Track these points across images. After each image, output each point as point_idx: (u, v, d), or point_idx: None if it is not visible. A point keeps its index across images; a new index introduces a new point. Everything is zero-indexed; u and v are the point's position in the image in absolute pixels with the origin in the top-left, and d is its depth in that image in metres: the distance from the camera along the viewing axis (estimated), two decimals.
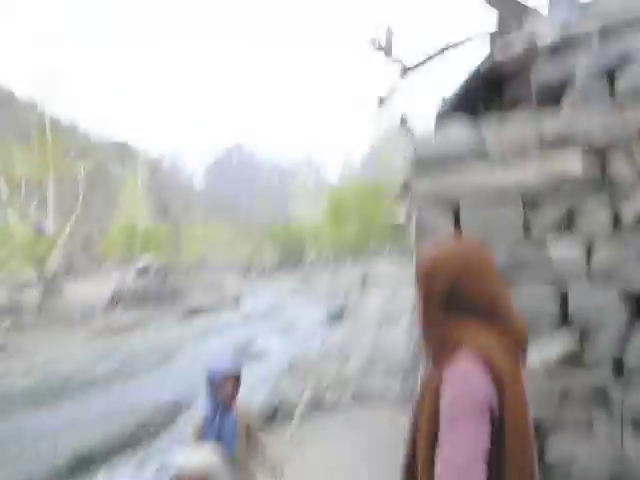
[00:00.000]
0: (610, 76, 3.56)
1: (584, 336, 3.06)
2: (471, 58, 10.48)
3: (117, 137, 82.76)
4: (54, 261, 36.00)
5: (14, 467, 10.82)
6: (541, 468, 1.85)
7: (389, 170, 62.07)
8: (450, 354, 1.75)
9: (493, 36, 6.91)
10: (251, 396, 12.90)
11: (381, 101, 12.15)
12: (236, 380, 3.99)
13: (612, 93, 3.48)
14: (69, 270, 42.83)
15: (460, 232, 3.29)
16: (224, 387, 3.92)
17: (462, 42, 9.71)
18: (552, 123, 3.32)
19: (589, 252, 3.15)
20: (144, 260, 46.12)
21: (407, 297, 22.58)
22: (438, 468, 1.64)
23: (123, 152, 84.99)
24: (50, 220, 37.96)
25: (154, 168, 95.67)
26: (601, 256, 3.11)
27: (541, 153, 3.30)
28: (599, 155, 3.20)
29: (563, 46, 3.80)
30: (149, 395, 15.39)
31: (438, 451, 1.68)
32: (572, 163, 3.20)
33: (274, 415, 9.80)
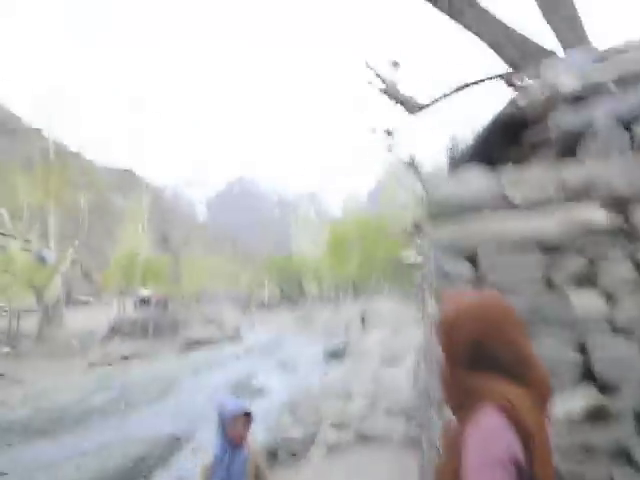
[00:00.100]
0: (629, 125, 3.57)
1: (606, 390, 3.02)
2: (476, 98, 10.57)
3: (121, 165, 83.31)
4: (54, 289, 35.91)
5: None
6: None
7: (394, 206, 62.20)
8: (473, 408, 1.72)
9: (509, 78, 6.97)
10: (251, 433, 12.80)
11: (388, 135, 12.26)
12: (247, 419, 3.94)
13: (632, 142, 3.49)
14: (69, 299, 42.75)
15: (480, 280, 3.26)
16: (234, 426, 3.86)
17: (476, 83, 9.79)
18: (574, 172, 3.32)
19: (611, 303, 3.12)
20: (144, 291, 46.08)
21: (408, 336, 22.56)
22: None
23: (126, 180, 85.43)
24: (51, 248, 37.96)
25: (157, 197, 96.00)
26: (624, 308, 3.08)
27: (563, 202, 3.29)
28: (621, 205, 3.20)
29: (583, 94, 3.82)
30: (148, 428, 15.27)
31: None
32: (594, 213, 3.19)
33: (276, 454, 9.66)
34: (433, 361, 5.80)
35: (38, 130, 51.22)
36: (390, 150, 12.56)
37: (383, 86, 11.88)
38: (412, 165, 22.47)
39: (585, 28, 7.82)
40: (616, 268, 3.13)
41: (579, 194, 3.27)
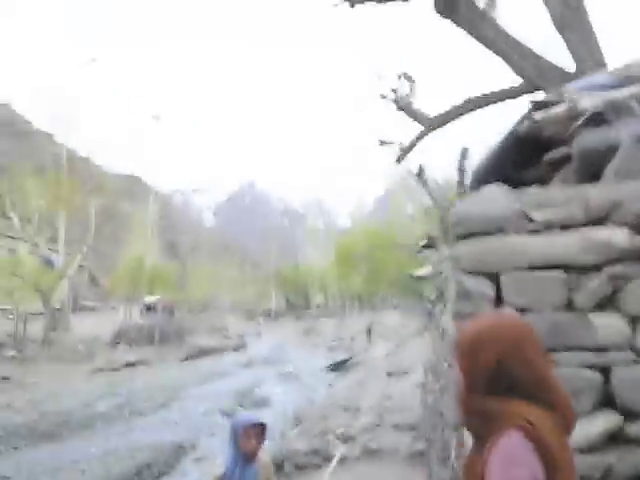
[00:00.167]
0: None
1: (627, 414, 2.99)
2: (485, 111, 10.56)
3: (130, 171, 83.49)
4: (61, 294, 35.99)
5: None
6: None
7: (401, 217, 62.11)
8: (494, 431, 1.70)
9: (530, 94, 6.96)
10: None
11: (402, 151, 12.23)
12: (260, 432, 3.89)
13: None
14: (75, 304, 42.82)
15: (501, 300, 3.24)
16: (247, 439, 3.82)
17: (495, 100, 9.78)
18: (597, 193, 3.30)
19: (634, 326, 3.09)
20: (151, 297, 46.11)
21: (414, 349, 22.48)
22: None
23: (135, 186, 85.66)
24: (59, 252, 38.07)
25: (164, 204, 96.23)
26: None
27: (586, 223, 3.28)
28: None
29: (605, 114, 3.81)
30: (152, 435, 15.26)
31: None
32: (617, 235, 3.17)
33: (281, 466, 9.60)
34: (444, 376, 5.78)
35: (49, 135, 51.46)
36: (400, 161, 12.51)
37: (393, 97, 11.93)
38: (420, 177, 22.45)
39: (600, 44, 7.83)
40: (639, 289, 3.11)
41: (602, 215, 3.25)
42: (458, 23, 8.79)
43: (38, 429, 15.92)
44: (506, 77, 8.97)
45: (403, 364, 18.67)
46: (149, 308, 44.05)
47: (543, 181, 4.21)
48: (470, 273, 3.26)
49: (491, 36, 8.62)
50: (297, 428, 12.06)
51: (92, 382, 23.81)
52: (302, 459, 9.75)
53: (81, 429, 16.16)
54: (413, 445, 9.33)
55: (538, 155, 4.33)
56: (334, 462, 9.18)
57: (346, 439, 10.18)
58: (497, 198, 3.52)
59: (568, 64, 8.01)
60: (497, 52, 8.66)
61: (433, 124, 11.03)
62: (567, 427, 1.77)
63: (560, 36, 7.99)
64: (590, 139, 3.76)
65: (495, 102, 10.12)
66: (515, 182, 4.25)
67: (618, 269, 3.13)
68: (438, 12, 8.77)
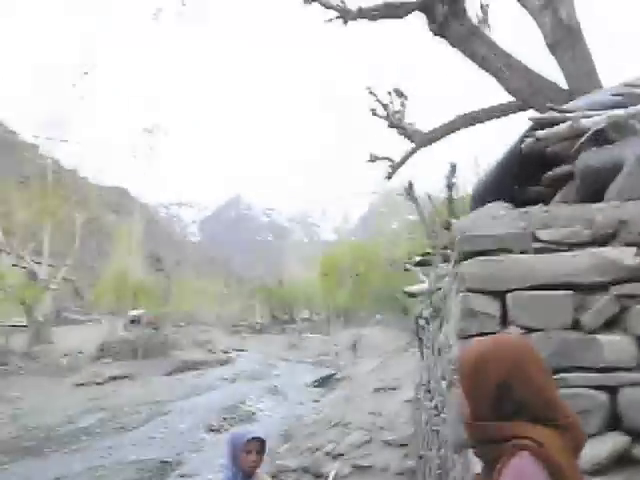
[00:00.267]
0: None
1: (635, 434, 2.97)
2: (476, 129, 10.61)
3: (115, 183, 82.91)
4: (45, 307, 35.69)
5: None
6: None
7: (386, 232, 62.26)
8: (501, 454, 1.67)
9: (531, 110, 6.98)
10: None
11: (392, 167, 12.25)
12: (259, 447, 3.83)
13: None
14: (59, 317, 42.45)
15: (507, 319, 3.23)
16: (246, 454, 3.75)
17: (491, 117, 9.83)
18: (603, 211, 3.30)
19: None
20: (135, 311, 45.81)
21: (400, 365, 22.44)
22: None
23: (120, 199, 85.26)
24: (44, 265, 37.78)
25: (150, 217, 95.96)
26: None
27: (592, 242, 3.28)
28: None
29: (607, 130, 3.82)
30: (137, 451, 15.13)
31: None
32: (624, 253, 3.17)
33: None
34: (439, 394, 5.75)
35: (34, 146, 51.14)
36: (390, 178, 12.55)
37: (384, 113, 11.96)
38: (409, 192, 22.50)
39: (594, 63, 7.89)
40: None
41: (609, 234, 3.25)
42: (451, 41, 8.84)
43: (21, 444, 15.74)
44: (498, 94, 8.97)
45: (389, 380, 18.60)
46: (133, 322, 43.73)
47: (543, 199, 4.22)
48: (475, 292, 3.24)
49: (483, 53, 8.66)
50: (286, 445, 11.97)
51: (76, 396, 23.57)
52: (292, 476, 9.68)
53: (65, 444, 15.97)
54: (404, 462, 9.29)
55: (539, 173, 4.34)
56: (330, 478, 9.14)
57: (336, 456, 10.11)
58: (501, 216, 3.51)
59: (561, 82, 8.07)
60: (489, 70, 8.71)
61: (424, 141, 11.07)
62: (576, 447, 1.75)
63: (552, 55, 8.05)
64: (593, 157, 3.77)
65: (487, 119, 10.18)
66: (515, 199, 4.26)
67: (625, 289, 3.13)
68: (431, 31, 8.82)
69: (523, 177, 4.38)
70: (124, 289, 50.15)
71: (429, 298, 6.16)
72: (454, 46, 8.79)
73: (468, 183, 30.65)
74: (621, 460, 2.93)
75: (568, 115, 4.00)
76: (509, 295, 3.21)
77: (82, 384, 26.20)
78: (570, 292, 3.16)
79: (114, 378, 28.16)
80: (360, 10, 9.30)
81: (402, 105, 11.93)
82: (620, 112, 3.86)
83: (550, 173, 4.17)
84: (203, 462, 13.86)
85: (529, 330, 3.15)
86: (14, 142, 68.43)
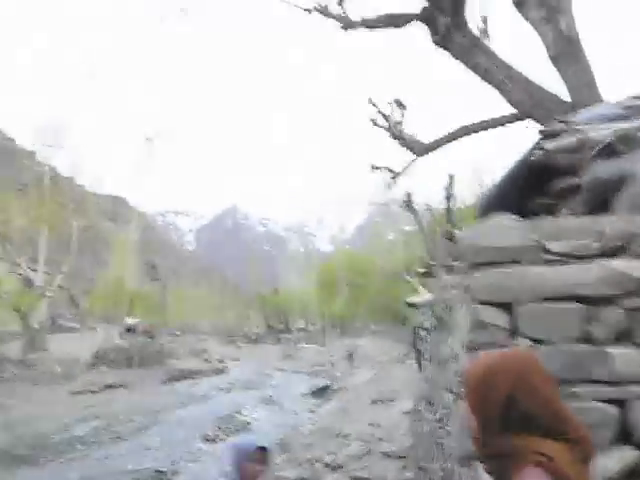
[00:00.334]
0: None
1: None
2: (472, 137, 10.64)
3: (112, 191, 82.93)
4: (40, 314, 35.55)
5: None
6: None
7: (383, 243, 62.37)
8: (514, 470, 1.66)
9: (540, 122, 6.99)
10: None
11: (393, 177, 12.28)
12: (263, 457, 3.76)
13: None
14: (54, 324, 42.28)
15: (516, 331, 3.21)
16: (250, 464, 3.69)
17: (486, 127, 9.85)
18: (613, 223, 3.30)
19: None
20: (130, 319, 45.67)
21: (397, 376, 22.40)
22: None
23: (117, 207, 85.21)
24: (39, 272, 37.65)
25: (146, 225, 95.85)
26: None
27: (602, 254, 3.27)
28: None
29: (615, 143, 3.83)
30: (132, 460, 15.00)
31: None
32: (634, 265, 3.16)
33: None
34: (442, 406, 5.72)
35: (31, 153, 51.10)
36: (390, 187, 12.58)
37: (385, 124, 12.00)
38: (408, 203, 22.65)
39: (594, 76, 7.93)
40: None
41: (618, 246, 3.25)
42: (453, 53, 8.88)
43: (16, 453, 15.60)
44: (501, 105, 9.01)
45: (386, 391, 18.56)
46: (129, 330, 43.54)
47: (549, 211, 4.22)
48: (485, 303, 3.23)
49: (485, 65, 8.70)
50: (284, 455, 11.89)
51: (70, 404, 23.41)
52: None
53: (60, 453, 15.84)
54: (402, 474, 9.24)
55: (545, 184, 4.34)
56: None
57: (335, 467, 10.06)
58: (510, 227, 3.51)
59: (563, 94, 8.10)
60: (491, 82, 8.74)
61: (424, 151, 11.10)
62: (587, 459, 1.73)
63: (554, 67, 8.09)
64: (601, 170, 3.77)
65: (487, 129, 10.21)
66: (522, 211, 4.25)
67: (635, 302, 3.12)
68: (434, 42, 8.86)
69: (529, 189, 4.38)
70: (120, 297, 50.08)
71: (432, 309, 6.12)
72: (456, 57, 8.83)
73: (467, 194, 30.84)
74: (632, 474, 2.92)
75: (576, 127, 4.00)
76: (519, 307, 3.20)
77: (77, 392, 26.03)
78: (580, 304, 3.16)
79: (109, 386, 28.00)
80: (362, 20, 9.35)
81: (402, 115, 11.98)
82: (627, 125, 3.87)
83: (557, 185, 4.17)
84: (199, 472, 13.79)
85: (539, 342, 3.14)
86: (12, 149, 68.39)
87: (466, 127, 10.29)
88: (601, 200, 3.75)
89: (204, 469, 14.04)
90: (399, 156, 12.22)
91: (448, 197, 16.18)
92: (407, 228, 52.42)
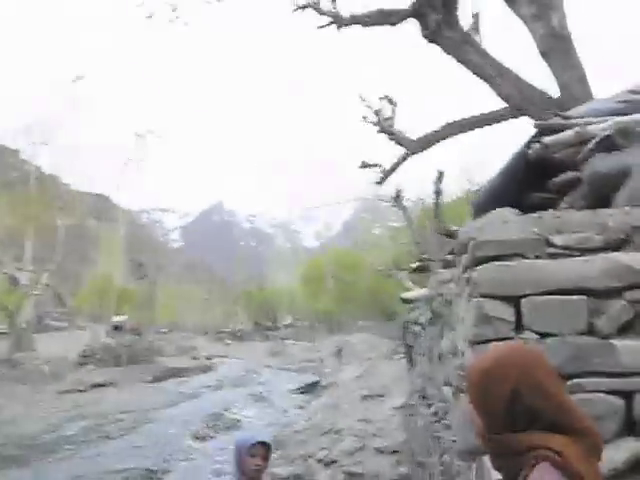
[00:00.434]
0: None
1: None
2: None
3: (98, 189, 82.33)
4: (26, 313, 35.33)
5: None
6: None
7: (369, 238, 62.46)
8: (523, 466, 1.66)
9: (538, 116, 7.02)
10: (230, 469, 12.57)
11: (384, 174, 12.28)
12: (264, 451, 3.77)
13: None
14: (41, 323, 42.01)
15: (522, 325, 3.23)
16: (250, 459, 3.69)
17: (481, 123, 9.88)
18: (616, 217, 3.33)
19: None
20: (118, 317, 45.49)
21: (386, 372, 22.43)
22: None
23: (102, 205, 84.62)
24: (25, 271, 37.41)
25: (132, 223, 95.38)
26: None
27: (605, 247, 3.29)
28: None
29: (614, 137, 3.85)
30: (122, 459, 14.90)
31: None
32: (637, 258, 3.18)
33: None
34: (438, 400, 5.74)
35: (15, 151, 50.72)
36: (382, 184, 12.59)
37: (375, 119, 12.01)
38: (397, 199, 22.64)
39: (585, 71, 7.98)
40: None
41: (621, 239, 3.27)
42: (444, 48, 8.91)
43: (4, 453, 15.49)
44: (493, 101, 9.04)
45: (376, 387, 18.58)
46: (117, 328, 43.36)
47: (548, 205, 4.24)
48: (489, 297, 3.24)
49: (475, 60, 8.74)
50: (277, 452, 11.89)
51: (59, 404, 23.27)
52: None
53: (49, 453, 15.74)
54: (396, 469, 9.27)
55: (543, 179, 4.36)
56: None
57: (328, 463, 10.07)
58: (512, 221, 3.52)
59: (553, 91, 8.15)
60: (482, 76, 8.78)
61: (415, 147, 11.11)
62: (595, 452, 1.74)
63: (545, 62, 8.12)
64: (601, 164, 3.79)
65: (477, 127, 10.24)
66: (520, 206, 4.27)
67: (639, 294, 3.14)
68: (424, 37, 8.88)
69: (527, 183, 4.40)
70: (107, 295, 49.85)
71: (428, 304, 6.14)
72: (447, 53, 8.86)
73: (455, 189, 30.92)
74: (637, 466, 2.94)
75: (574, 122, 4.03)
76: (523, 300, 3.21)
77: (65, 391, 25.89)
78: (584, 297, 3.17)
79: (97, 385, 27.86)
80: (353, 17, 9.36)
81: (392, 111, 11.99)
82: (626, 119, 3.90)
83: (556, 179, 4.19)
84: (190, 470, 13.75)
85: (544, 335, 3.16)
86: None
87: (455, 124, 10.30)
88: (601, 194, 3.77)
89: (194, 467, 14.01)
90: (387, 154, 12.20)
91: (437, 192, 16.14)
92: (395, 224, 52.56)
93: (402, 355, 21.33)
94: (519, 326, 3.22)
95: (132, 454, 15.55)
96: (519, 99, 8.43)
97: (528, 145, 4.30)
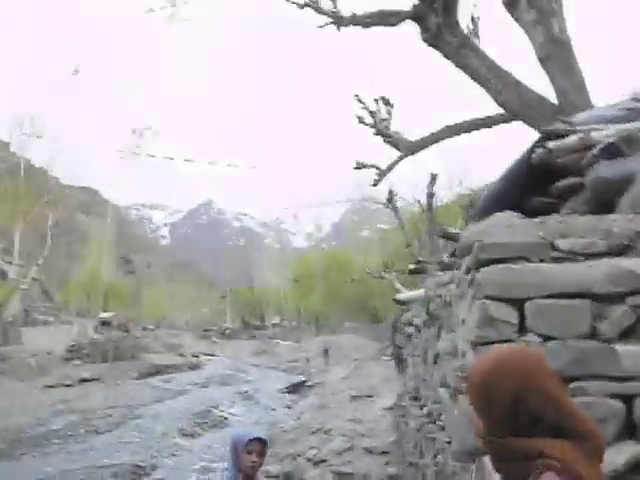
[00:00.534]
0: None
1: None
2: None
3: (87, 183, 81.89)
4: (14, 307, 35.16)
5: None
6: None
7: (358, 240, 62.56)
8: (525, 472, 1.67)
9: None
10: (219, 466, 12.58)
11: (379, 174, 12.30)
12: (261, 448, 3.79)
13: None
14: (28, 318, 41.79)
15: (525, 327, 3.25)
16: (246, 456, 3.71)
17: (475, 126, 9.91)
18: (619, 222, 3.36)
19: None
20: (105, 313, 45.34)
21: (373, 373, 22.51)
22: None
23: (91, 200, 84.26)
24: (14, 265, 37.23)
25: (121, 218, 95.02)
26: None
27: (609, 252, 3.33)
28: None
29: (618, 144, 3.89)
30: (109, 455, 14.91)
31: None
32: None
33: None
34: (432, 401, 5.77)
35: (5, 143, 50.42)
36: (377, 185, 12.61)
37: (371, 121, 12.02)
38: (390, 200, 22.73)
39: (583, 77, 8.01)
40: None
41: (625, 245, 3.30)
42: (443, 52, 8.92)
43: None
44: (489, 105, 9.07)
45: (364, 388, 18.64)
46: (104, 324, 43.24)
47: (549, 210, 4.27)
48: (493, 299, 3.26)
49: (475, 66, 8.75)
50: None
51: (45, 398, 23.21)
52: None
53: (36, 447, 15.71)
54: (385, 469, 9.29)
55: (544, 184, 4.39)
56: None
57: (317, 462, 10.08)
58: (516, 225, 3.55)
59: (551, 97, 8.17)
60: (479, 81, 8.80)
61: (411, 149, 11.13)
62: (598, 454, 1.75)
63: (543, 69, 8.15)
64: (605, 170, 3.82)
65: (473, 130, 10.27)
66: (522, 210, 4.30)
67: None
68: (424, 40, 8.89)
69: (529, 188, 4.43)
70: (94, 291, 49.63)
71: (424, 306, 6.16)
72: (446, 57, 8.86)
73: (446, 193, 31.01)
74: (637, 467, 2.97)
75: (579, 128, 4.06)
76: (527, 303, 3.24)
77: (52, 386, 25.84)
78: (588, 301, 3.20)
79: (84, 380, 27.82)
80: (353, 17, 9.36)
81: (388, 113, 12.01)
82: (630, 126, 3.94)
83: (559, 184, 4.23)
84: (177, 467, 13.76)
85: (546, 338, 3.18)
86: None
87: (451, 127, 10.33)
88: (604, 200, 3.81)
89: (182, 464, 14.00)
90: (378, 155, 12.24)
91: (430, 195, 16.26)
92: (383, 226, 52.65)
93: (389, 357, 21.44)
94: (522, 329, 3.24)
95: (120, 449, 15.56)
96: (517, 105, 8.45)
97: (532, 150, 4.33)
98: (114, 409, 21.45)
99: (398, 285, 19.48)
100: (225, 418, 20.52)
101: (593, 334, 3.18)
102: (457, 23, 8.76)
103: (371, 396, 16.48)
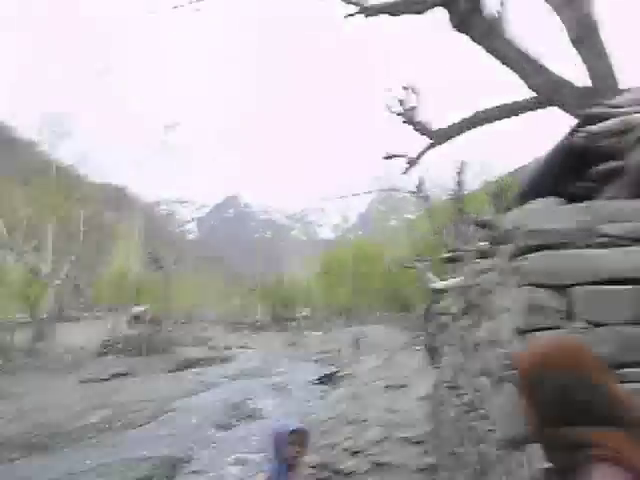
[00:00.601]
0: None
1: None
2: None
3: (115, 181, 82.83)
4: (47, 303, 35.66)
5: None
6: None
7: (385, 230, 62.35)
8: (579, 464, 1.63)
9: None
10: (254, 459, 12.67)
11: (409, 163, 12.23)
12: (302, 439, 3.83)
13: None
14: (61, 313, 42.40)
15: (572, 314, 3.21)
16: (290, 446, 3.75)
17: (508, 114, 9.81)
18: None
19: None
20: (138, 307, 45.78)
21: (405, 363, 22.47)
22: None
23: (119, 197, 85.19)
24: (47, 262, 37.73)
25: (148, 214, 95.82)
26: None
27: None
28: None
29: None
30: (146, 447, 15.05)
31: None
32: None
33: None
34: (472, 390, 5.73)
35: (32, 142, 51.12)
36: (406, 173, 12.52)
37: (400, 109, 11.93)
38: (419, 189, 22.61)
39: (612, 64, 7.88)
40: None
41: None
42: (472, 37, 8.82)
43: (29, 441, 15.69)
44: (520, 91, 8.96)
45: (396, 377, 18.61)
46: (136, 318, 43.67)
47: (589, 195, 4.21)
48: (539, 286, 3.23)
49: (504, 50, 8.65)
50: None
51: (80, 393, 23.49)
52: (310, 472, 9.65)
53: (73, 441, 15.94)
54: (422, 459, 9.27)
55: (583, 168, 4.33)
56: None
57: (354, 452, 10.10)
58: (560, 210, 3.51)
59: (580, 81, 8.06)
60: (510, 66, 8.70)
61: (441, 137, 11.03)
62: None
63: (576, 50, 8.03)
64: None
65: (505, 116, 10.14)
66: (561, 195, 4.25)
67: None
68: (454, 27, 8.80)
69: (570, 172, 4.37)
70: (124, 286, 50.15)
71: (462, 294, 6.12)
72: (476, 42, 8.77)
73: (474, 181, 30.76)
74: None
75: (621, 110, 3.99)
76: (573, 289, 3.20)
77: (86, 381, 26.16)
78: (635, 287, 3.16)
79: (118, 375, 28.13)
80: (380, 5, 9.29)
81: (417, 101, 11.92)
82: None
83: (598, 168, 4.16)
84: (213, 458, 13.86)
85: (594, 325, 3.15)
86: (15, 139, 68.37)
87: (481, 113, 10.21)
88: None
89: (218, 455, 14.11)
90: (403, 145, 12.19)
91: (459, 183, 16.14)
92: (409, 216, 52.45)
93: (420, 346, 21.36)
94: (569, 315, 3.21)
95: (156, 442, 15.71)
96: (548, 89, 8.35)
97: (571, 134, 4.27)
98: (148, 402, 21.65)
99: (430, 274, 19.37)
100: (259, 410, 20.61)
101: None
102: (485, 8, 8.66)
103: (404, 386, 16.46)
